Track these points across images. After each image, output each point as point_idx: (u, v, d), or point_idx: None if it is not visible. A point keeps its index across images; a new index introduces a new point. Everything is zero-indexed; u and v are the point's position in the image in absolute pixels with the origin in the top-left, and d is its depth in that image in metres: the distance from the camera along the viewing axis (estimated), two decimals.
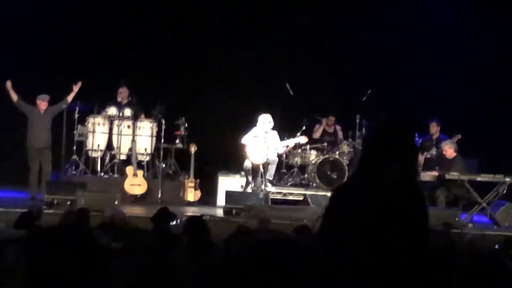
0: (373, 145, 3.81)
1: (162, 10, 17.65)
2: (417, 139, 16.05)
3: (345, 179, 15.64)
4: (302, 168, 16.42)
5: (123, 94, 16.35)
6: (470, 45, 17.72)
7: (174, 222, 8.62)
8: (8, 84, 14.81)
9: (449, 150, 15.03)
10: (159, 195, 15.57)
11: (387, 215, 3.61)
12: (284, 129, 15.95)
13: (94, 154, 16.08)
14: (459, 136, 15.87)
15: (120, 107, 16.19)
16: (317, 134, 16.77)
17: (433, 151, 15.80)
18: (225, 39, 17.75)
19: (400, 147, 3.72)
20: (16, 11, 17.15)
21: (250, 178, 15.26)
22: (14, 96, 14.83)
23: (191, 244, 7.36)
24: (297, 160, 16.40)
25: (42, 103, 14.97)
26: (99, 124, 16.08)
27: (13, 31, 17.11)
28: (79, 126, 15.85)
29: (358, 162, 3.89)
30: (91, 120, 16.05)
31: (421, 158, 15.98)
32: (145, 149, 16.12)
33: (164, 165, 16.11)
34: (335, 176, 15.69)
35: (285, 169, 16.42)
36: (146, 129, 16.23)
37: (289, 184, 16.16)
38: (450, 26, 17.94)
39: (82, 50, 17.29)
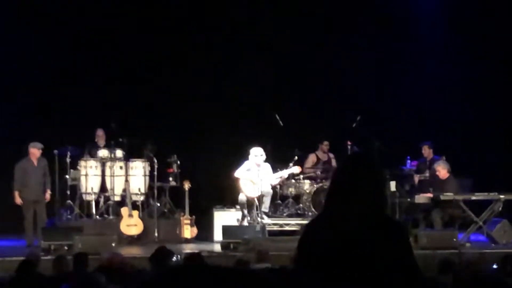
0: (338, 181, 3.85)
1: (150, 47, 17.69)
2: (409, 161, 16.15)
3: None
4: (297, 198, 16.41)
5: (100, 136, 16.40)
6: (459, 65, 17.85)
7: (174, 259, 8.61)
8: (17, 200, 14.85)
9: (442, 170, 15.06)
10: (156, 234, 15.52)
11: (358, 248, 3.64)
12: (276, 160, 15.96)
13: (88, 197, 16.05)
14: (443, 158, 15.87)
15: (111, 148, 16.20)
16: (308, 164, 16.75)
17: (427, 173, 15.83)
18: (212, 73, 17.80)
19: (363, 181, 3.76)
20: None
21: (245, 211, 15.25)
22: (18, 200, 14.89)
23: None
24: (292, 190, 16.40)
25: (37, 152, 14.96)
26: (91, 167, 16.07)
27: None
28: (71, 170, 15.85)
29: (325, 197, 3.93)
30: (83, 163, 16.05)
31: (416, 180, 16.03)
32: (139, 189, 16.09)
33: (159, 204, 16.10)
34: None
35: (280, 200, 16.41)
36: (139, 169, 16.23)
37: (285, 215, 16.13)
38: (439, 48, 18.07)
39: (71, 92, 17.28)
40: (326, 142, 16.86)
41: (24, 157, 15.05)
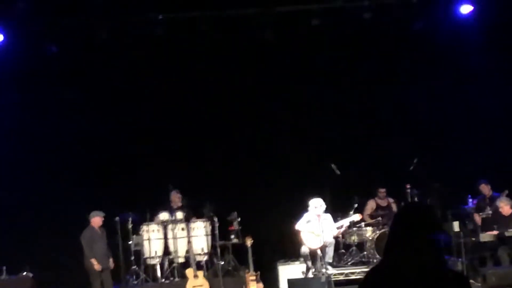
0: (397, 231, 3.85)
1: (202, 108, 17.89)
2: (470, 200, 15.97)
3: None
4: (360, 245, 16.34)
5: (176, 199, 16.55)
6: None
7: None
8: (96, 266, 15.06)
9: (505, 207, 14.89)
10: None
11: None
12: (336, 210, 15.94)
13: (152, 261, 16.13)
14: (506, 192, 15.68)
15: (171, 211, 16.34)
16: (368, 210, 16.70)
17: (488, 211, 15.64)
18: (267, 126, 17.90)
19: (418, 230, 3.75)
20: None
21: (309, 263, 15.20)
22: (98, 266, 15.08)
23: None
24: (354, 238, 16.35)
25: (100, 221, 15.19)
26: (153, 231, 16.19)
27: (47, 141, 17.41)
28: (134, 236, 15.97)
29: (385, 246, 3.92)
30: (145, 228, 16.18)
31: (478, 219, 15.84)
32: (202, 249, 16.14)
33: (222, 262, 16.10)
34: None
35: (343, 249, 16.36)
36: (200, 229, 16.30)
37: (349, 263, 16.06)
38: (493, 83, 17.94)
39: (128, 159, 17.54)
40: (382, 190, 16.85)
41: (87, 226, 15.24)
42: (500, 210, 14.93)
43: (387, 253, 3.85)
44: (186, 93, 17.82)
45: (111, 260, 15.23)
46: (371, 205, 16.80)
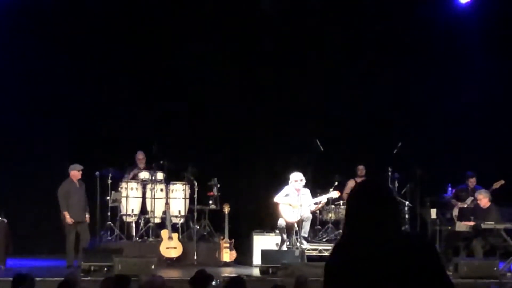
0: (351, 212, 3.87)
1: (192, 72, 17.81)
2: (450, 189, 16.02)
3: None
4: (336, 223, 16.37)
5: (140, 159, 16.52)
6: (500, 91, 17.78)
7: (214, 283, 8.62)
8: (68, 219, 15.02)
9: (483, 199, 14.94)
10: (195, 257, 15.54)
11: (392, 270, 3.64)
12: (316, 186, 15.96)
13: (128, 219, 16.17)
14: (502, 182, 15.72)
15: (152, 171, 16.33)
16: (347, 190, 16.72)
17: (469, 201, 15.70)
18: (254, 98, 17.85)
19: (376, 210, 3.76)
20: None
21: (285, 236, 15.22)
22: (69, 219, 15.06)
23: None
24: (331, 215, 16.38)
25: (77, 174, 15.17)
26: (132, 189, 16.21)
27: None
28: (112, 192, 15.96)
29: (344, 225, 3.95)
30: (124, 185, 16.18)
31: (456, 207, 15.90)
32: (179, 212, 16.18)
33: (198, 227, 16.13)
34: None
35: (319, 225, 16.40)
36: (179, 191, 16.32)
37: (324, 240, 16.11)
38: (480, 73, 17.94)
39: (113, 114, 17.49)
40: (360, 167, 16.82)
41: (66, 179, 15.23)
42: (479, 202, 14.99)
43: (348, 227, 3.87)
44: (175, 55, 17.71)
45: (87, 214, 15.22)
46: (350, 184, 16.78)
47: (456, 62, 17.96)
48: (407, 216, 16.11)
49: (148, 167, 16.53)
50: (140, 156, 16.61)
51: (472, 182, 16.00)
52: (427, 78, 18.06)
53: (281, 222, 15.23)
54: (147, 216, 16.25)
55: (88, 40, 17.33)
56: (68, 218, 14.91)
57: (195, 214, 16.11)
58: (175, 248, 15.43)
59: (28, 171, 16.75)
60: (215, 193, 16.23)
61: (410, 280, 3.61)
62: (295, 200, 15.13)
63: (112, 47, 17.47)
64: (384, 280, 3.62)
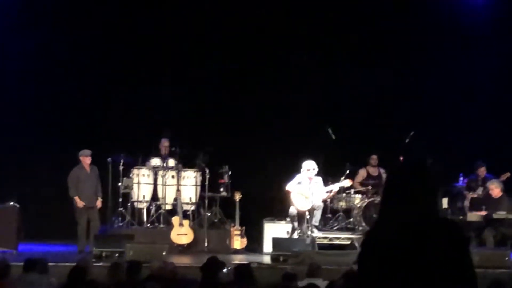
0: (392, 187, 3.88)
1: (206, 58, 17.82)
2: (461, 178, 16.00)
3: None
4: (347, 212, 16.37)
5: (165, 146, 16.50)
6: None
7: (225, 270, 8.64)
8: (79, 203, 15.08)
9: (495, 189, 14.91)
10: (206, 244, 15.58)
11: (425, 254, 3.65)
12: (328, 174, 15.94)
13: (139, 205, 16.20)
14: (508, 174, 15.71)
15: (163, 157, 16.35)
16: (359, 178, 16.70)
17: (479, 191, 15.67)
18: (267, 86, 17.82)
19: (417, 187, 3.78)
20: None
21: (296, 224, 15.24)
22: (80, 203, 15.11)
23: None
24: (342, 204, 16.37)
25: (87, 159, 15.21)
26: (143, 175, 16.23)
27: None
28: (124, 178, 15.99)
29: (380, 206, 3.97)
30: (135, 171, 16.21)
31: (468, 197, 15.87)
32: (190, 199, 16.21)
33: (209, 214, 16.16)
34: None
35: (330, 213, 16.38)
36: (191, 178, 16.34)
37: (335, 228, 16.10)
38: (493, 64, 17.87)
39: (126, 99, 17.50)
40: (373, 156, 16.80)
41: (76, 165, 15.28)
42: (491, 192, 14.96)
43: (383, 210, 3.88)
44: (185, 38, 17.72)
45: (99, 200, 15.26)
46: (362, 173, 16.80)
47: (469, 51, 17.89)
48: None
49: (169, 155, 16.51)
50: (166, 143, 16.58)
51: (482, 171, 15.97)
52: (440, 66, 17.99)
53: (292, 210, 15.23)
54: (158, 203, 16.28)
55: (100, 28, 17.35)
56: (79, 202, 14.98)
57: (206, 201, 16.13)
58: (186, 235, 15.47)
59: (40, 156, 16.79)
60: (227, 181, 16.25)
61: (436, 264, 3.64)
62: (307, 188, 15.14)
63: (125, 33, 17.50)
64: (412, 259, 3.64)
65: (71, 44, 17.36)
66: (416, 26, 17.91)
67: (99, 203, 15.30)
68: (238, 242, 15.47)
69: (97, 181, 15.33)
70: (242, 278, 8.04)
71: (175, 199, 16.08)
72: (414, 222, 3.71)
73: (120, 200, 15.99)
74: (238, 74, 17.82)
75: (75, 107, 17.33)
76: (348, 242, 15.14)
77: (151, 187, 16.32)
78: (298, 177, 15.31)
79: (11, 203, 14.85)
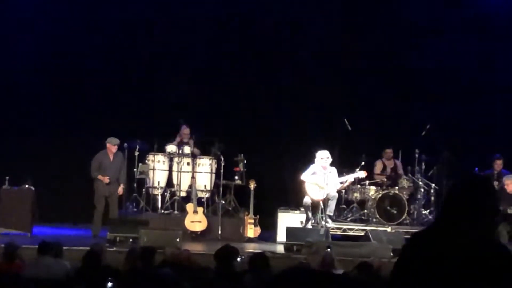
0: (455, 202, 3.86)
1: (220, 49, 17.83)
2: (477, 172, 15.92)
3: (405, 214, 15.56)
4: (362, 203, 16.35)
5: (186, 133, 16.50)
6: None
7: (239, 259, 8.63)
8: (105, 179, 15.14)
9: (510, 184, 14.85)
10: (219, 232, 15.59)
11: (470, 273, 3.64)
12: (343, 165, 15.92)
13: (154, 192, 16.23)
14: None
15: (179, 144, 16.36)
16: (377, 170, 16.68)
17: (495, 185, 15.62)
18: (283, 76, 17.81)
19: (481, 208, 3.78)
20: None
21: (310, 214, 15.22)
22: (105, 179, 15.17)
23: (255, 282, 7.39)
24: (357, 195, 16.35)
25: (113, 148, 15.22)
26: (159, 161, 16.26)
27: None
28: (139, 164, 16.01)
29: (439, 214, 3.96)
30: (151, 157, 16.23)
31: None
32: (205, 186, 16.22)
33: (223, 202, 16.17)
34: (394, 211, 15.63)
35: (345, 204, 16.37)
36: (206, 166, 16.35)
37: (349, 219, 16.09)
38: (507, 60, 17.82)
39: (141, 90, 17.55)
40: (387, 150, 16.73)
41: (102, 150, 15.32)
42: (505, 187, 14.90)
43: (441, 219, 3.88)
44: (202, 28, 17.75)
45: (121, 187, 15.27)
46: (378, 165, 16.76)
47: (487, 42, 17.85)
48: (432, 198, 16.11)
49: (188, 142, 16.52)
50: (186, 130, 16.57)
51: (498, 164, 15.91)
52: (456, 60, 17.92)
53: (306, 200, 15.22)
54: (173, 189, 16.30)
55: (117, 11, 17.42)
56: (104, 178, 15.01)
57: (221, 189, 16.14)
58: (199, 222, 15.48)
59: (56, 140, 16.87)
60: (242, 169, 16.25)
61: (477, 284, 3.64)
62: (322, 178, 15.11)
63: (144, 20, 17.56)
64: (455, 273, 3.64)
65: (87, 29, 17.40)
66: (435, 23, 17.88)
67: (121, 190, 15.31)
68: (252, 231, 15.47)
69: (121, 169, 15.30)
70: (257, 267, 8.03)
71: (190, 186, 16.11)
72: (468, 240, 3.71)
73: (135, 185, 16.03)
74: (256, 64, 17.81)
75: (93, 92, 17.38)
76: (362, 234, 15.10)
77: (166, 174, 16.36)
78: (312, 167, 15.28)
79: (26, 185, 14.90)
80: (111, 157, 15.25)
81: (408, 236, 13.42)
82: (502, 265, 3.67)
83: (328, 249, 11.36)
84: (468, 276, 3.63)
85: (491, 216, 3.81)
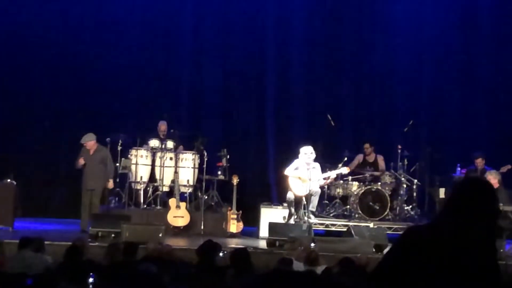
0: (457, 203, 3.92)
1: (202, 44, 17.83)
2: (459, 168, 15.99)
3: (387, 210, 15.59)
4: (344, 199, 16.36)
5: (162, 130, 16.46)
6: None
7: (221, 254, 8.63)
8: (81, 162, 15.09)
9: (493, 180, 14.83)
10: (202, 227, 15.57)
11: (465, 272, 3.69)
12: (326, 161, 15.94)
13: (137, 186, 16.18)
14: (509, 167, 15.67)
15: (162, 139, 16.32)
16: (354, 163, 16.68)
17: None
18: (267, 71, 17.82)
19: (484, 209, 3.85)
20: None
21: (293, 209, 15.22)
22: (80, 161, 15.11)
23: (237, 277, 7.39)
24: (339, 191, 16.36)
25: (88, 144, 15.15)
26: (142, 156, 16.21)
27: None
28: (122, 158, 15.96)
29: (439, 213, 4.07)
30: (134, 152, 16.18)
31: None
32: (188, 181, 16.18)
33: (206, 197, 16.14)
34: (377, 207, 15.65)
35: (327, 200, 16.39)
36: (189, 161, 16.31)
37: (331, 215, 16.10)
38: (491, 60, 17.91)
39: (124, 85, 17.51)
40: (365, 145, 16.70)
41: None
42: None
43: (441, 217, 3.93)
44: (185, 22, 17.76)
45: (110, 182, 15.22)
46: (358, 158, 16.77)
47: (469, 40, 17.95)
48: (415, 194, 16.15)
49: (167, 137, 16.48)
50: (163, 127, 16.53)
51: (479, 162, 15.95)
52: (438, 54, 18.01)
53: (290, 196, 15.22)
54: (155, 184, 16.27)
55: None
56: (80, 160, 14.99)
57: (204, 184, 16.12)
58: (182, 217, 15.45)
59: (39, 134, 16.81)
60: (224, 164, 16.23)
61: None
62: (305, 174, 15.12)
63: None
64: (450, 267, 3.72)
65: (67, 24, 17.38)
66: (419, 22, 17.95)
67: (110, 185, 15.26)
68: (234, 226, 15.46)
69: (105, 163, 15.21)
70: (239, 262, 8.02)
71: (173, 181, 16.07)
72: (467, 240, 3.79)
73: (118, 180, 15.97)
74: (239, 59, 17.82)
75: (75, 85, 17.31)
76: (345, 229, 15.13)
77: (149, 168, 16.31)
78: (296, 163, 15.28)
79: (8, 180, 14.83)
80: (91, 152, 15.17)
81: (398, 232, 13.50)
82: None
83: (313, 244, 11.40)
84: (460, 275, 3.68)
85: (491, 217, 3.87)
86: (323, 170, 15.51)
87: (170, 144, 16.30)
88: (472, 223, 3.80)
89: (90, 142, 15.11)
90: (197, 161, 16.33)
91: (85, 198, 15.06)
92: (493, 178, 14.88)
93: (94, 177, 15.09)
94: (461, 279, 3.70)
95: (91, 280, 6.67)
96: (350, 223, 15.24)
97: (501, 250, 13.49)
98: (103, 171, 15.17)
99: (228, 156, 16.24)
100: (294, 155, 15.40)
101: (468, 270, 3.71)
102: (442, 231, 3.82)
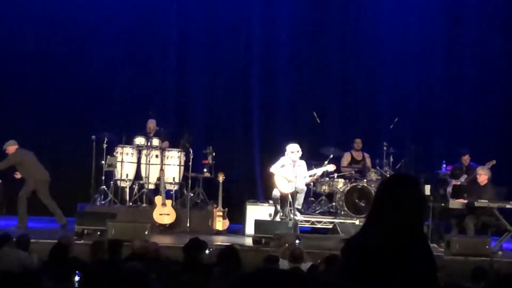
0: (379, 199, 4.07)
1: (188, 42, 17.81)
2: (444, 165, 16.03)
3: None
4: (330, 196, 16.38)
5: (151, 127, 16.42)
6: (497, 74, 17.83)
7: (207, 251, 8.63)
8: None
9: (483, 175, 14.88)
10: (188, 225, 15.56)
11: (391, 261, 3.85)
12: (312, 158, 15.95)
13: (122, 184, 16.15)
14: (493, 162, 15.72)
15: (148, 136, 16.30)
16: (344, 162, 16.73)
17: (462, 179, 15.70)
18: (252, 68, 17.83)
19: (402, 200, 3.96)
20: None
21: (278, 207, 15.23)
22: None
23: (224, 275, 7.39)
24: (325, 188, 16.38)
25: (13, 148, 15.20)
26: (127, 154, 16.18)
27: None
28: (108, 156, 15.93)
29: (367, 216, 4.18)
30: (119, 150, 16.15)
31: (451, 184, 15.87)
32: (173, 179, 16.17)
33: (192, 194, 16.13)
34: (363, 204, 15.66)
35: (313, 197, 16.41)
36: (174, 158, 16.29)
37: (317, 212, 16.12)
38: (479, 56, 17.97)
39: (110, 82, 17.48)
40: (357, 140, 16.76)
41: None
42: (478, 176, 14.89)
43: (370, 217, 4.01)
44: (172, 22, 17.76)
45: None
46: (346, 157, 16.82)
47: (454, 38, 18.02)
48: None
49: (155, 135, 16.45)
50: (151, 125, 16.49)
51: (465, 159, 16.00)
52: (426, 54, 18.07)
53: (275, 193, 15.22)
54: (141, 182, 16.24)
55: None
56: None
57: (190, 181, 16.10)
58: (168, 214, 15.44)
59: (24, 132, 16.72)
60: (210, 161, 16.22)
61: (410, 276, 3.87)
62: (291, 171, 15.13)
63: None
64: (391, 266, 3.86)
65: (53, 22, 17.33)
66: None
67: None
68: (220, 223, 15.46)
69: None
70: (227, 260, 8.02)
71: (158, 179, 16.05)
72: (397, 233, 3.91)
73: (103, 178, 15.95)
74: (224, 56, 17.82)
75: (61, 83, 17.25)
76: (330, 226, 15.16)
77: (134, 166, 16.29)
78: (282, 160, 15.30)
79: None
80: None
81: None
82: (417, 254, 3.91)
83: (298, 241, 11.41)
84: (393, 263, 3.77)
85: (414, 205, 3.97)
86: (309, 167, 15.52)
87: (156, 141, 16.27)
88: (396, 217, 3.92)
89: (5, 148, 15.08)
90: (183, 159, 16.31)
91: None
92: (484, 174, 14.93)
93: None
94: (401, 277, 3.83)
95: (76, 278, 6.67)
96: (336, 220, 15.27)
97: (486, 247, 13.55)
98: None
99: (214, 154, 16.22)
100: (280, 152, 15.41)
101: (404, 268, 3.86)
102: (372, 237, 3.97)
